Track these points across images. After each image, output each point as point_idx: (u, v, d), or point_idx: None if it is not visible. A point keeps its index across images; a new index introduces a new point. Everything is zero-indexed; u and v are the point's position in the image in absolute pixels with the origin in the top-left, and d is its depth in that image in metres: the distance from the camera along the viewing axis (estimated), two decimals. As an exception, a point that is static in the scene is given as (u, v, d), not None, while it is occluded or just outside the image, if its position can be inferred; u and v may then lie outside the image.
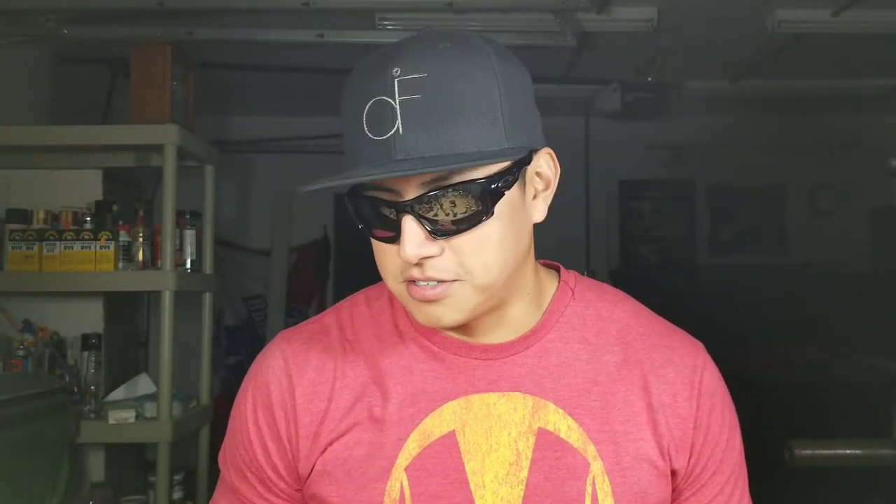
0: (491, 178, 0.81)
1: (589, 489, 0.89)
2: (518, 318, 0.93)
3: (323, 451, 0.91)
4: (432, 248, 0.82)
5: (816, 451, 1.68)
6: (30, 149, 2.45)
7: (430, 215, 0.81)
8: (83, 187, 2.49)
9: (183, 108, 2.49)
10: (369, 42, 2.77)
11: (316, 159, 4.24)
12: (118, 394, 2.42)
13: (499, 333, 0.93)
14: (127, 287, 2.40)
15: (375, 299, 0.99)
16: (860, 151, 4.09)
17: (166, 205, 2.25)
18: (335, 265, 4.44)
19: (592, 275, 1.60)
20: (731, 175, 4.50)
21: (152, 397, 2.30)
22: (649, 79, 3.38)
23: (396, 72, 0.80)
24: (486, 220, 0.82)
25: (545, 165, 0.88)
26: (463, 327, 0.91)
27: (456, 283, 0.83)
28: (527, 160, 0.85)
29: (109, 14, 2.66)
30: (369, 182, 0.83)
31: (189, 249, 2.47)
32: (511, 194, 0.83)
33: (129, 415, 2.22)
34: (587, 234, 4.38)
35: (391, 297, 0.97)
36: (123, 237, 2.31)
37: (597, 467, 0.90)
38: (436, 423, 0.90)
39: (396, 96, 0.80)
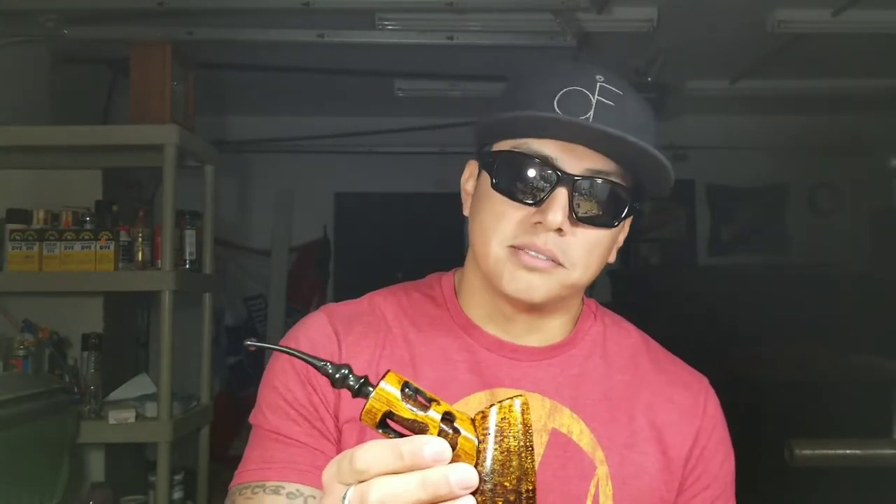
0: (632, 194, 0.92)
1: (592, 490, 0.94)
2: (553, 329, 1.01)
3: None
4: (567, 225, 0.89)
5: (816, 451, 1.68)
6: (30, 149, 2.45)
7: (577, 198, 0.89)
8: (83, 187, 2.49)
9: (183, 108, 2.49)
10: (369, 42, 2.78)
11: (316, 159, 4.25)
12: (118, 394, 2.41)
13: (532, 339, 1.00)
14: (127, 287, 2.40)
15: (411, 292, 1.05)
16: (860, 151, 4.09)
17: (166, 205, 2.25)
18: (335, 265, 4.44)
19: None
20: (731, 175, 4.50)
21: (152, 397, 2.30)
22: (649, 79, 3.38)
23: (600, 78, 0.90)
24: (614, 225, 0.92)
25: (627, 225, 0.99)
26: (503, 325, 0.99)
27: (560, 267, 0.91)
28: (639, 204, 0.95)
29: (109, 14, 2.66)
30: (550, 138, 0.89)
31: (189, 249, 2.47)
32: (629, 215, 0.94)
33: (129, 415, 2.22)
34: (587, 234, 4.37)
35: (428, 294, 1.04)
36: (123, 237, 2.31)
37: (602, 471, 0.95)
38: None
39: (595, 95, 0.90)
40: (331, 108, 3.97)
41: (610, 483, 0.95)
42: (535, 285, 0.91)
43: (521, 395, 0.62)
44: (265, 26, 2.77)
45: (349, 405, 0.95)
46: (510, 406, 0.61)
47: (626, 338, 1.06)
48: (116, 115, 3.10)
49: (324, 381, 0.93)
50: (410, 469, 0.58)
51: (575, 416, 0.97)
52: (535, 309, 0.97)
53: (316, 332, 0.99)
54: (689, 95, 3.74)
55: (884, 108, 3.86)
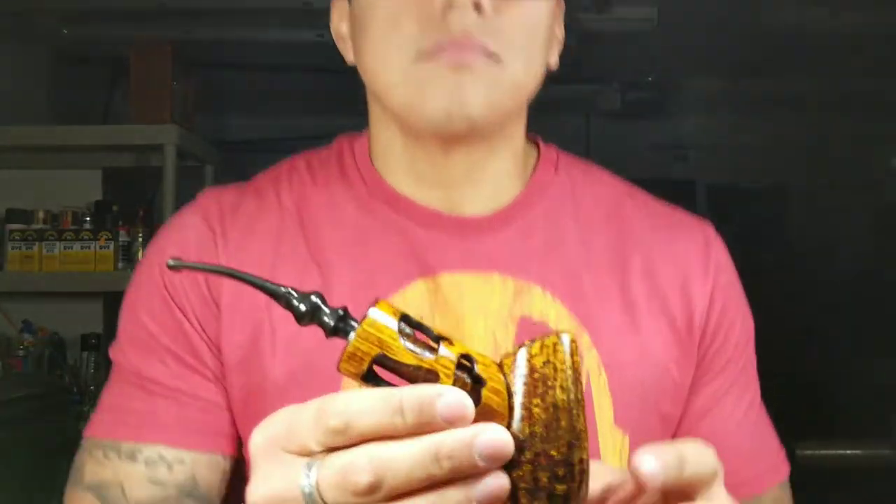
0: None
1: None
2: (501, 181, 0.80)
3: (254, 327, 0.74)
4: None
5: (816, 451, 1.68)
6: (30, 149, 2.44)
7: None
8: (83, 187, 2.49)
9: (183, 108, 2.48)
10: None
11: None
12: (118, 394, 2.41)
13: (477, 201, 0.79)
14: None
15: (320, 166, 0.83)
16: (861, 151, 4.09)
17: (166, 205, 2.25)
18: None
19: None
20: (731, 175, 4.50)
21: (152, 397, 2.29)
22: (649, 79, 3.38)
23: None
24: None
25: (562, 17, 0.83)
26: (436, 185, 0.77)
27: (494, 62, 0.70)
28: None
29: (109, 14, 2.65)
30: None
31: (189, 249, 2.46)
32: None
33: (129, 415, 2.22)
34: (587, 234, 4.37)
35: (336, 163, 0.83)
36: (123, 237, 2.31)
37: (591, 358, 0.76)
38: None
39: None
40: (331, 108, 3.97)
41: (603, 372, 0.76)
42: (468, 91, 0.68)
43: (568, 332, 0.45)
44: (265, 26, 2.77)
45: (238, 331, 0.73)
46: (554, 344, 0.44)
47: (603, 189, 0.86)
48: (116, 115, 3.10)
49: (197, 300, 0.74)
50: (414, 432, 0.39)
51: (548, 295, 0.76)
52: (472, 136, 0.74)
53: (188, 232, 0.79)
54: (689, 95, 3.74)
55: (883, 108, 3.85)
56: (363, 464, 0.38)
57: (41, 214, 2.33)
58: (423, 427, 0.39)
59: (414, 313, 0.44)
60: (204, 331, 0.75)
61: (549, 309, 0.76)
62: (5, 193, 2.44)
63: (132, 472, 0.72)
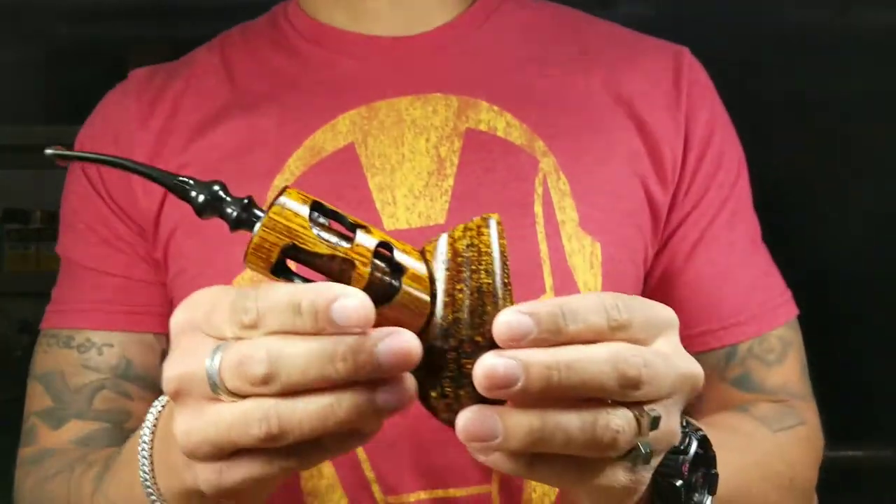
0: None
1: (539, 189, 0.70)
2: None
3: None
4: None
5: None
6: (27, 148, 2.44)
7: None
8: (82, 187, 2.48)
9: (182, 107, 2.47)
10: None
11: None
12: (117, 394, 2.40)
13: (408, 17, 0.74)
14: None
15: (253, 27, 0.83)
16: (861, 151, 4.09)
17: (165, 205, 2.24)
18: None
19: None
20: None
21: (151, 398, 2.29)
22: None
23: None
24: None
25: None
26: (366, 13, 0.74)
27: None
28: None
29: (108, 13, 2.65)
30: None
31: (188, 249, 2.46)
32: None
33: (128, 415, 2.21)
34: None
35: (276, 18, 0.81)
36: (122, 237, 2.30)
37: (547, 163, 0.71)
38: (327, 138, 0.70)
39: None
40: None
41: (563, 175, 0.71)
42: None
43: (493, 215, 0.42)
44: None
45: (176, 207, 0.70)
46: (479, 227, 0.41)
47: (560, 11, 0.81)
48: (115, 114, 3.09)
49: (116, 178, 0.73)
50: (317, 332, 0.38)
51: (495, 107, 0.72)
52: None
53: (113, 109, 0.78)
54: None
55: (883, 108, 3.84)
56: (260, 355, 0.37)
57: (39, 214, 2.32)
58: (320, 327, 0.37)
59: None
60: (121, 209, 0.74)
61: (496, 121, 0.71)
62: (3, 193, 2.43)
63: (69, 358, 0.72)
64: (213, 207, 0.41)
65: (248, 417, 0.38)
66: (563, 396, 0.39)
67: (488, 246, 0.41)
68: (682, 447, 0.51)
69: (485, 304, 0.41)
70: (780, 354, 0.77)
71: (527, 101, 0.73)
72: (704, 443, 0.53)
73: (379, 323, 0.38)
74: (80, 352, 0.72)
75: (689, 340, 0.74)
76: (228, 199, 0.41)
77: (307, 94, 0.73)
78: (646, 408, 0.41)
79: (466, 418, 0.39)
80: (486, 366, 0.38)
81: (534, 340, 0.38)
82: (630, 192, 0.73)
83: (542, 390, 0.38)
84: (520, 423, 0.38)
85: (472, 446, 0.39)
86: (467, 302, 0.40)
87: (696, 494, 0.52)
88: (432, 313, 0.41)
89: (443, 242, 0.42)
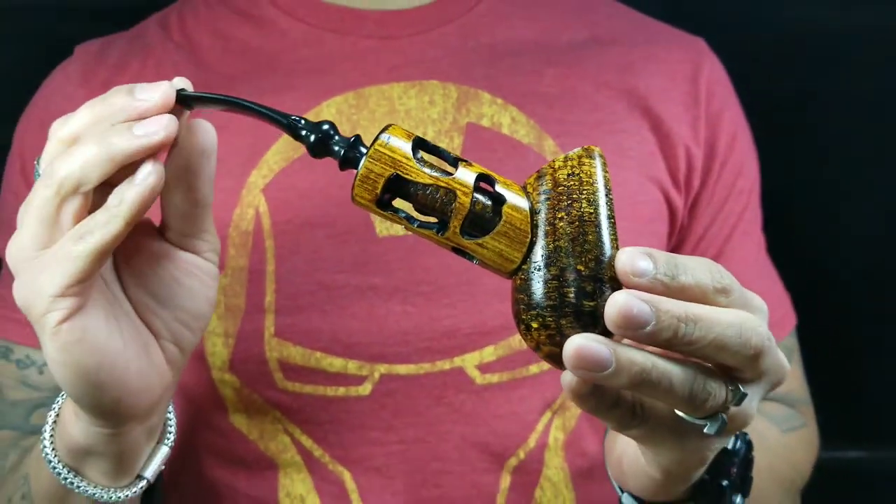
0: None
1: None
2: None
3: None
4: None
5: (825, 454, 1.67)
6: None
7: None
8: (81, 186, 2.47)
9: (181, 107, 2.47)
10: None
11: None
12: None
13: None
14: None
15: None
16: (862, 151, 4.09)
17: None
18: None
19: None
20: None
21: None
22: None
23: None
24: None
25: None
26: None
27: None
28: None
29: (107, 12, 2.64)
30: None
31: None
32: None
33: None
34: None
35: None
36: (122, 237, 2.30)
37: None
38: None
39: None
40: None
41: None
42: None
43: (595, 147, 0.42)
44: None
45: None
46: (580, 157, 0.41)
47: None
48: (115, 114, 3.09)
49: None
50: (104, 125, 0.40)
51: (499, 100, 0.65)
52: None
53: (56, 98, 0.71)
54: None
55: (883, 108, 3.84)
56: (60, 163, 0.40)
57: (39, 214, 2.31)
58: (106, 116, 0.41)
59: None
60: None
61: (500, 115, 0.64)
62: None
63: (6, 370, 0.66)
64: (323, 145, 0.42)
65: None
66: (681, 349, 0.38)
67: (590, 176, 0.41)
68: (732, 448, 0.51)
69: (586, 233, 0.40)
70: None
71: (533, 93, 0.66)
72: (750, 446, 0.53)
73: (481, 253, 0.40)
74: (20, 367, 0.65)
75: None
76: (337, 137, 0.42)
77: (286, 75, 0.65)
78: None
79: (581, 343, 0.37)
80: (622, 303, 0.36)
81: (650, 281, 0.38)
82: (648, 198, 0.68)
83: (668, 339, 0.37)
84: (633, 360, 0.37)
85: (576, 373, 0.37)
86: (568, 230, 0.40)
87: (736, 496, 0.51)
88: (533, 242, 0.41)
89: (544, 173, 0.42)
